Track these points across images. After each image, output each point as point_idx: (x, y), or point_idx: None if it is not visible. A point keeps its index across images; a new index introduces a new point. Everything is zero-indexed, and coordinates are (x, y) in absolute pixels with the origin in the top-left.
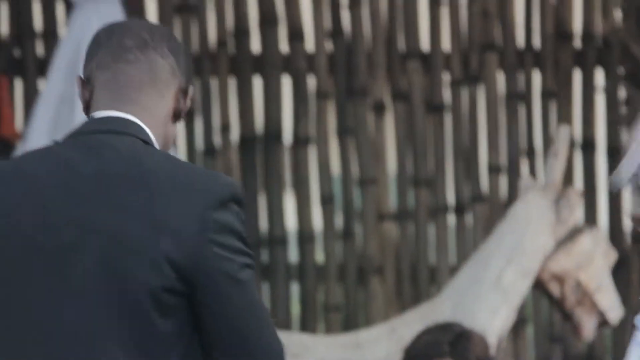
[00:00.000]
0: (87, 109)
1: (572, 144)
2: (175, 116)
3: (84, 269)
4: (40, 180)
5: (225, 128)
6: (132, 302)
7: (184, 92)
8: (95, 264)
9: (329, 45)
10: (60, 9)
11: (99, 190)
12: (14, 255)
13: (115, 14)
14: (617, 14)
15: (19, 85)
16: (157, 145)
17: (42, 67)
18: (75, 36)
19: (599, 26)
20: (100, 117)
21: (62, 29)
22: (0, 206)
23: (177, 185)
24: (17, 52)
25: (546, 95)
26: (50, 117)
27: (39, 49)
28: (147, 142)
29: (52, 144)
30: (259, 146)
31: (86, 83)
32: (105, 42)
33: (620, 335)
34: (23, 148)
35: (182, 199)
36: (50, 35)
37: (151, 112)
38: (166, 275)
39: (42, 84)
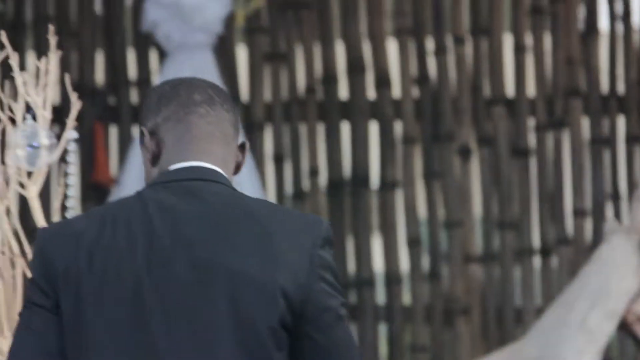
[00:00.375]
0: (155, 160)
1: None
2: (236, 169)
3: (212, 307)
4: (144, 225)
5: (314, 172)
6: (255, 337)
7: (242, 146)
8: (222, 302)
9: (415, 91)
10: (153, 58)
11: (209, 231)
12: (126, 296)
13: (208, 62)
14: None
15: (113, 132)
16: None
17: (136, 114)
18: None
19: None
20: (183, 167)
21: (155, 77)
22: (107, 251)
23: (283, 223)
24: (112, 100)
25: (630, 139)
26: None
27: (133, 96)
28: (233, 188)
29: (141, 191)
30: (347, 190)
31: (152, 135)
32: (173, 96)
33: None
34: (118, 193)
35: (291, 236)
36: (144, 83)
37: (224, 163)
38: (281, 308)
39: (135, 131)
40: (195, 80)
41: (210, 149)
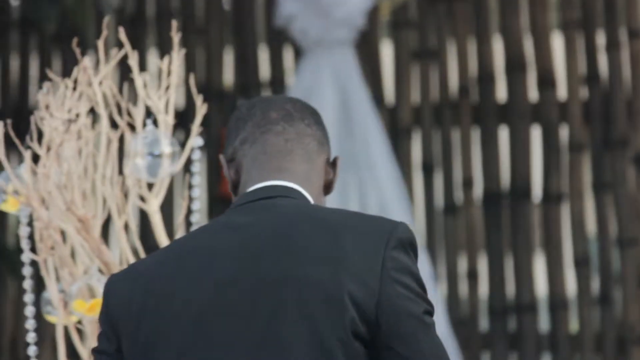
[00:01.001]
0: (236, 188)
1: None
2: (327, 188)
3: (281, 322)
4: (210, 250)
5: (467, 183)
6: (325, 350)
7: (331, 162)
8: (292, 315)
9: (583, 92)
10: (288, 57)
11: (277, 244)
12: (187, 329)
13: (348, 61)
14: None
15: None
16: None
17: None
18: (306, 84)
19: None
20: (258, 187)
21: (289, 78)
22: (164, 287)
23: (353, 227)
24: (241, 103)
25: None
26: None
27: None
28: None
29: (217, 217)
30: (505, 203)
31: (230, 162)
32: (249, 117)
33: None
34: None
35: (361, 240)
36: (278, 85)
37: (307, 181)
38: (351, 317)
39: None
40: (274, 97)
41: (288, 167)
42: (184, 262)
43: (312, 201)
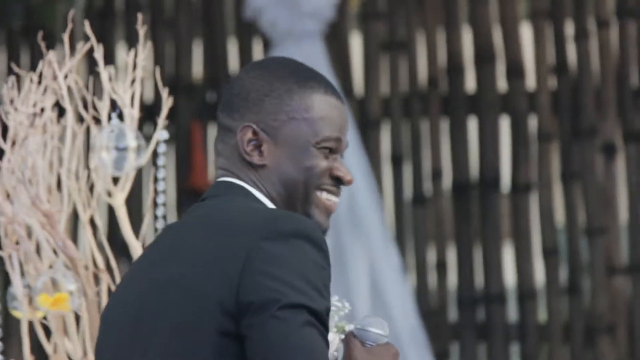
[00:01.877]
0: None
1: None
2: (244, 160)
3: (151, 322)
4: (154, 245)
5: (436, 174)
6: (191, 352)
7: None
8: (159, 315)
9: (552, 82)
10: (257, 49)
11: (171, 247)
12: (113, 316)
13: (318, 52)
14: None
15: (212, 132)
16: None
17: None
18: None
19: None
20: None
21: None
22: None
23: (235, 224)
24: (211, 96)
25: None
26: None
27: None
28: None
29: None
30: (474, 194)
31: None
32: None
33: None
34: None
35: (235, 234)
36: None
37: (236, 168)
38: (215, 315)
39: None
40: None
41: (221, 159)
42: (136, 263)
43: (253, 190)
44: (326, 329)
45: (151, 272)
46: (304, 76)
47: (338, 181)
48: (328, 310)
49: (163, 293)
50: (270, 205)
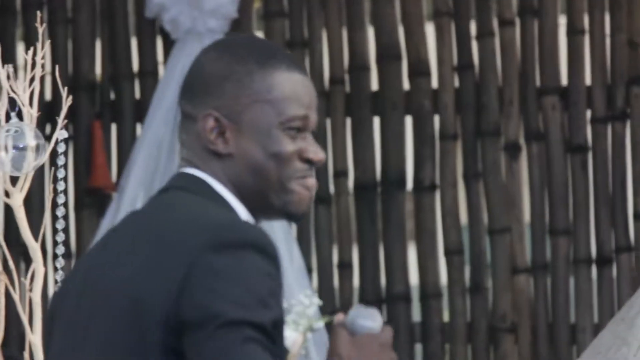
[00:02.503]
0: None
1: None
2: (210, 150)
3: (86, 331)
4: (104, 243)
5: (340, 174)
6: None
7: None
8: (99, 325)
9: (455, 81)
10: (159, 47)
11: (116, 251)
12: (60, 316)
13: None
14: None
15: (113, 131)
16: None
17: (139, 110)
18: (177, 75)
19: None
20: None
21: (161, 69)
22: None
23: (175, 233)
24: (112, 95)
25: None
26: (148, 164)
27: (136, 90)
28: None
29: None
30: (378, 193)
31: None
32: None
33: None
34: (119, 200)
35: (181, 245)
36: (148, 75)
37: (198, 158)
38: (151, 330)
39: (139, 129)
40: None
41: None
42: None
43: (215, 183)
44: (274, 340)
45: (98, 274)
46: (264, 54)
47: (309, 162)
48: (277, 320)
49: (107, 304)
50: (232, 199)
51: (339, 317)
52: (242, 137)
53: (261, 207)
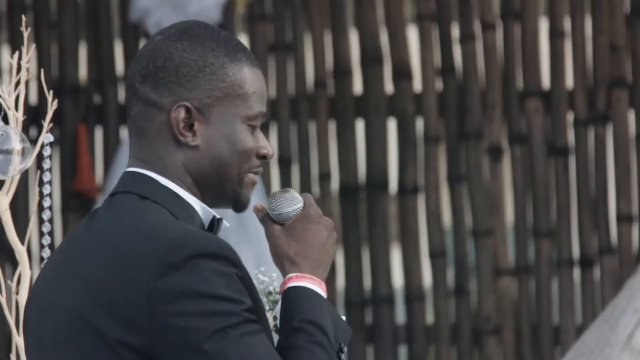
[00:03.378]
0: None
1: None
2: (178, 140)
3: (49, 356)
4: (64, 247)
5: (324, 176)
6: None
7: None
8: (60, 350)
9: (438, 84)
10: None
11: (70, 262)
12: (31, 324)
13: None
14: None
15: (98, 134)
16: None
17: (123, 113)
18: None
19: None
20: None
21: None
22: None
23: (123, 256)
24: (96, 99)
25: None
26: None
27: (121, 94)
28: (146, 197)
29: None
30: (362, 196)
31: None
32: None
33: None
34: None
35: (125, 272)
36: None
37: (149, 156)
38: (126, 358)
39: (123, 132)
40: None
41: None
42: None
43: (165, 181)
44: (256, 322)
45: (45, 291)
46: (232, 47)
47: (264, 158)
48: (251, 307)
49: (69, 330)
50: (180, 191)
51: (256, 208)
52: (209, 129)
53: (214, 196)
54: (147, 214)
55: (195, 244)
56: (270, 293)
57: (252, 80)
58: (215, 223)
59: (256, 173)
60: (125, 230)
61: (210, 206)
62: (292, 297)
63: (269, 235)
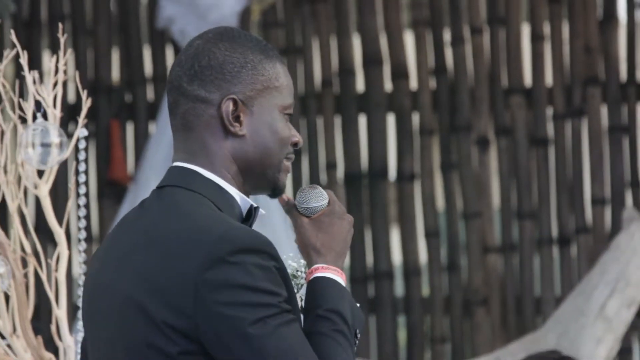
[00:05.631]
0: None
1: None
2: (227, 130)
3: (102, 333)
4: (111, 239)
5: (330, 166)
6: None
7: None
8: (111, 329)
9: (432, 83)
10: (169, 54)
11: (121, 248)
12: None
13: None
14: None
15: (130, 129)
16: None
17: (152, 111)
18: None
19: None
20: (168, 171)
21: None
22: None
23: (174, 245)
24: (128, 97)
25: None
26: (161, 159)
27: (149, 93)
28: (192, 190)
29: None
30: (365, 182)
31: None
32: None
33: None
34: (135, 190)
35: (175, 262)
36: (160, 80)
37: (197, 151)
38: (174, 340)
39: (152, 128)
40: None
41: (179, 143)
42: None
43: (210, 174)
44: (290, 311)
45: (98, 277)
46: (264, 46)
47: (295, 146)
48: (286, 298)
49: (120, 311)
50: (223, 183)
51: (282, 200)
52: (253, 119)
53: (256, 182)
54: (194, 207)
55: (240, 239)
56: (295, 277)
57: (284, 75)
58: (252, 211)
59: (289, 159)
60: (175, 222)
61: (249, 193)
62: (318, 287)
63: (297, 226)
